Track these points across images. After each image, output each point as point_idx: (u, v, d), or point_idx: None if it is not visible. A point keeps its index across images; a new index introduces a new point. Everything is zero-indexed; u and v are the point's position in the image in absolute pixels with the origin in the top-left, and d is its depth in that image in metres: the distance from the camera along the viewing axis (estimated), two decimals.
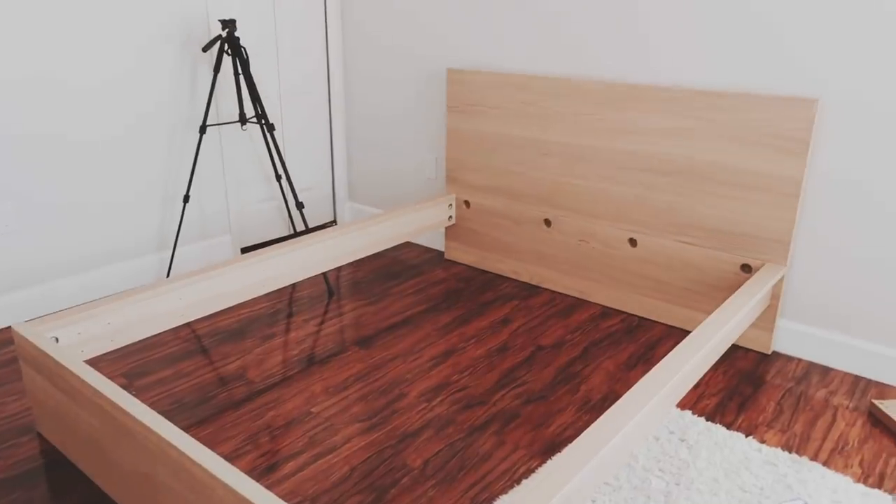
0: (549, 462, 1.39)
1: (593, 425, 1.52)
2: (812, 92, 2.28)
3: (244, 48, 2.87)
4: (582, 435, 1.49)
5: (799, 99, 2.24)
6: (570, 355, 2.50)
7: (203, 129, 2.89)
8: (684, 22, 2.49)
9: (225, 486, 1.31)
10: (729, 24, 2.39)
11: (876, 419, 2.14)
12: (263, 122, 2.88)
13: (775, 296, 2.44)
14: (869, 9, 2.12)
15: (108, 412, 1.60)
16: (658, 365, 1.78)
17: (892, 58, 2.11)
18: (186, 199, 2.95)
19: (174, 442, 1.42)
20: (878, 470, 1.90)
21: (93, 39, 2.74)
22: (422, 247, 3.64)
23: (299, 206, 2.93)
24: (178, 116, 3.08)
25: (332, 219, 3.97)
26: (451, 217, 3.30)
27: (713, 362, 2.04)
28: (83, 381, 1.65)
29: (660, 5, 2.53)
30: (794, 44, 2.28)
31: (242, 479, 1.32)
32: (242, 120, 2.96)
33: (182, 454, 1.40)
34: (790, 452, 1.97)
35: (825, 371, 2.41)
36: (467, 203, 3.26)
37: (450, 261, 3.43)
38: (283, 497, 1.77)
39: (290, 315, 2.84)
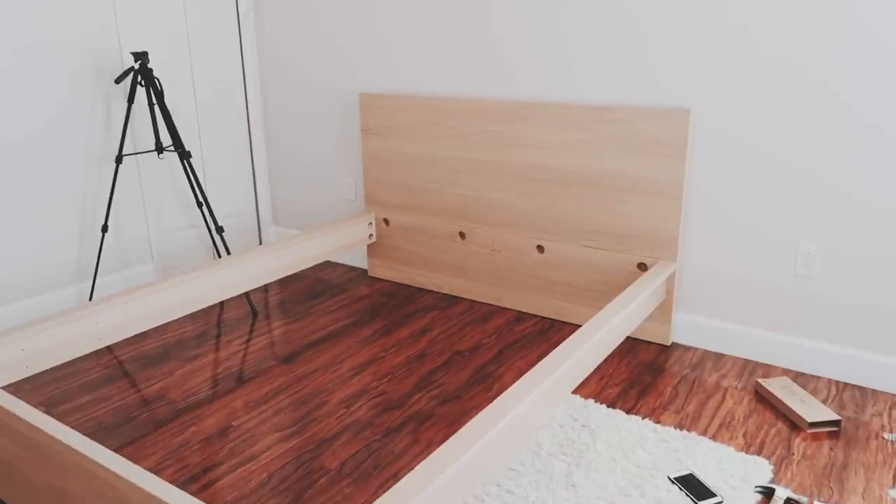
0: (445, 443, 1.50)
1: (484, 409, 1.65)
2: (686, 103, 2.51)
3: (157, 79, 2.94)
4: (475, 418, 1.61)
5: (675, 110, 2.46)
6: (485, 358, 2.63)
7: (119, 160, 2.93)
8: (574, 45, 2.71)
9: (134, 486, 1.37)
10: (613, 46, 2.61)
11: (760, 396, 2.34)
12: (179, 150, 2.95)
13: (669, 290, 2.63)
14: (731, 31, 2.36)
15: (21, 433, 1.63)
16: (551, 353, 1.92)
17: (751, 73, 2.36)
18: (105, 228, 2.97)
19: (86, 452, 1.47)
20: (759, 440, 2.09)
21: (9, 73, 2.76)
22: (346, 266, 3.74)
23: (219, 230, 2.99)
24: (93, 148, 3.11)
25: (259, 244, 4.03)
26: (371, 235, 3.41)
27: (608, 351, 2.20)
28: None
29: (552, 33, 2.74)
30: (668, 61, 2.51)
31: (151, 479, 1.38)
32: (159, 149, 3.01)
33: (94, 463, 1.45)
34: (682, 430, 2.14)
35: (718, 357, 2.62)
36: (386, 221, 3.38)
37: (374, 277, 3.54)
38: None
39: (214, 336, 2.88)
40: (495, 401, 1.68)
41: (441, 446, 1.50)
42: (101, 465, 1.43)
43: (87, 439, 1.53)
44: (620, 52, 2.60)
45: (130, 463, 1.44)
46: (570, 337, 2.02)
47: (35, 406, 2.34)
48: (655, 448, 2.03)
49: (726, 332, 2.61)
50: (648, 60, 2.55)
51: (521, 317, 3.01)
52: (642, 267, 2.68)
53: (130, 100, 2.91)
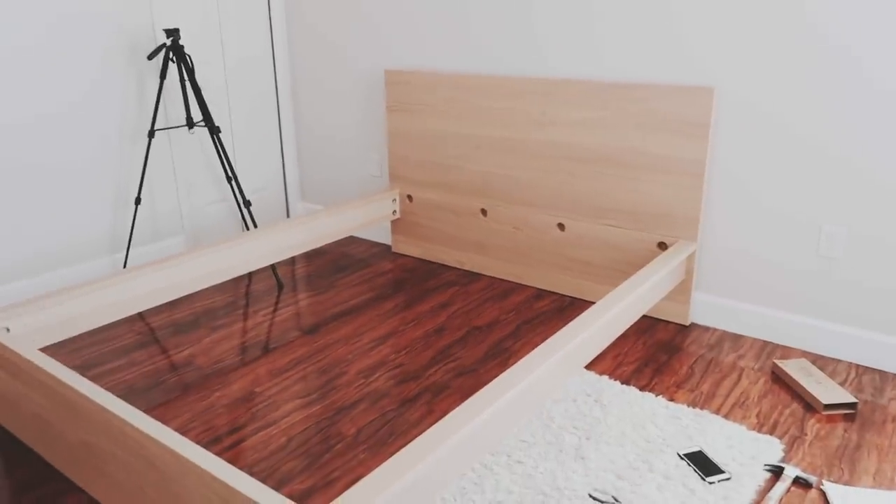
0: (456, 408, 1.55)
1: (496, 378, 1.69)
2: (709, 81, 2.48)
3: (189, 55, 3.01)
4: (486, 386, 1.65)
5: (698, 88, 2.44)
6: (503, 333, 2.67)
7: (152, 134, 3.02)
8: (597, 22, 2.69)
9: (157, 442, 1.45)
10: (637, 22, 2.59)
11: (777, 377, 2.34)
12: (209, 125, 3.02)
13: (689, 270, 2.63)
14: (758, 7, 2.33)
15: (57, 391, 1.73)
16: (564, 328, 1.95)
17: (777, 50, 2.32)
18: (138, 201, 3.07)
19: (116, 411, 1.56)
20: (772, 419, 2.10)
21: (44, 49, 2.86)
22: (370, 241, 3.79)
23: (247, 204, 3.06)
24: (126, 122, 3.20)
25: (286, 218, 4.10)
26: (395, 211, 3.46)
27: (623, 328, 2.22)
28: (32, 364, 1.77)
29: (575, 8, 2.73)
30: (693, 38, 2.48)
31: (175, 437, 1.46)
32: (189, 124, 3.09)
33: (122, 421, 1.53)
34: (694, 408, 2.15)
35: (737, 338, 2.61)
36: (410, 197, 3.42)
37: (397, 253, 3.59)
38: None
39: (241, 307, 2.97)
40: (507, 370, 1.72)
41: (451, 412, 1.55)
42: (129, 423, 1.51)
43: (118, 399, 1.61)
44: (644, 29, 2.58)
45: (158, 422, 1.52)
46: (585, 312, 2.05)
47: (70, 368, 2.46)
48: (666, 424, 2.06)
49: (746, 313, 2.61)
50: (672, 37, 2.53)
51: (541, 294, 3.04)
52: (662, 246, 2.68)
53: (162, 76, 2.99)
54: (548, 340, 1.88)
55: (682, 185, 2.57)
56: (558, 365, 1.84)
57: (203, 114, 3.01)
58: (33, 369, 1.78)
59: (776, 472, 1.84)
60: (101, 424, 1.61)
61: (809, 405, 2.17)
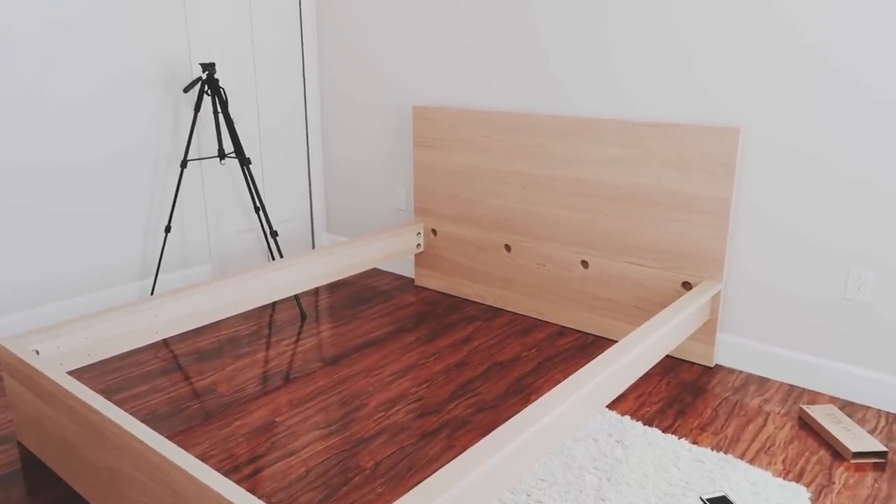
0: (475, 444, 1.54)
1: (516, 415, 1.68)
2: (735, 121, 2.49)
3: (223, 89, 3.10)
4: (506, 422, 1.65)
5: (724, 128, 2.45)
6: (525, 370, 2.66)
7: (184, 164, 3.10)
8: (622, 61, 2.73)
9: (180, 470, 1.46)
10: (662, 62, 2.62)
11: (804, 423, 2.29)
12: (240, 157, 3.09)
13: (714, 310, 2.61)
14: (783, 48, 2.35)
15: (83, 415, 1.75)
16: (585, 367, 1.94)
17: (803, 90, 2.33)
18: (168, 229, 3.14)
19: (140, 436, 1.58)
20: (799, 466, 2.05)
21: (85, 77, 2.97)
22: (393, 274, 3.82)
23: (273, 234, 3.11)
24: (160, 152, 3.29)
25: (311, 249, 4.16)
26: (419, 245, 3.48)
27: (646, 368, 2.20)
28: (59, 387, 1.80)
29: (603, 48, 2.77)
30: (718, 78, 2.50)
31: (198, 465, 1.47)
32: (221, 155, 3.17)
33: (146, 446, 1.55)
34: (718, 452, 2.11)
35: (763, 381, 2.57)
36: (434, 231, 3.45)
37: (420, 287, 3.60)
38: None
39: (265, 336, 2.99)
40: (528, 407, 1.71)
41: (471, 447, 1.54)
42: (153, 449, 1.53)
43: (142, 424, 1.63)
44: (669, 68, 2.61)
45: (180, 449, 1.53)
46: (607, 350, 2.03)
47: (95, 392, 2.49)
48: (689, 468, 2.02)
49: (772, 356, 2.57)
50: (697, 76, 2.55)
51: (563, 331, 3.02)
52: (687, 286, 2.66)
53: (197, 108, 3.08)
54: (570, 378, 1.87)
55: (707, 225, 2.56)
56: (580, 403, 1.82)
57: (234, 146, 3.08)
58: (61, 392, 1.81)
59: None
60: (125, 449, 1.63)
61: (837, 453, 2.12)
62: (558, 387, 1.82)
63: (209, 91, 3.08)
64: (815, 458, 2.09)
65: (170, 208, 3.38)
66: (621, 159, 2.73)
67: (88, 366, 2.70)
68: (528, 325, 3.09)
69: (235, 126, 3.58)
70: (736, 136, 2.43)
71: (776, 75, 2.38)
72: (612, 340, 2.92)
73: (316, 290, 3.60)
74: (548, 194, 2.98)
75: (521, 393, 2.48)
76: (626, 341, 2.11)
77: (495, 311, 3.26)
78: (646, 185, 2.68)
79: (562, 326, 3.07)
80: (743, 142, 2.49)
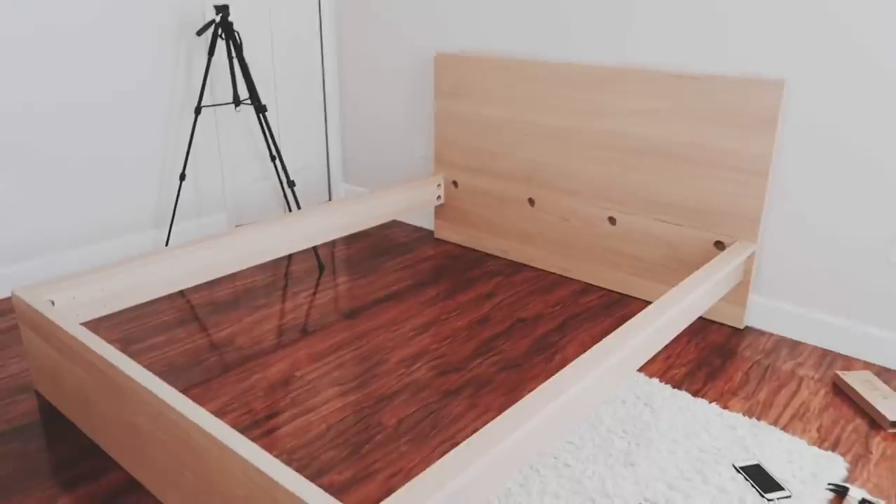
0: (505, 412, 1.48)
1: (548, 381, 1.61)
2: (779, 74, 2.34)
3: (237, 32, 2.96)
4: (536, 389, 1.58)
5: (766, 80, 2.31)
6: (548, 327, 2.59)
7: (198, 110, 2.99)
8: (659, 7, 2.56)
9: (199, 428, 1.41)
10: (701, 9, 2.46)
11: (838, 389, 2.22)
12: (256, 103, 2.98)
13: (747, 271, 2.51)
14: None
15: (97, 367, 1.70)
16: (618, 330, 1.86)
17: (853, 41, 2.18)
18: (183, 177, 3.05)
19: (155, 391, 1.52)
20: (834, 435, 1.98)
21: (97, 25, 2.84)
22: (413, 226, 3.73)
23: (290, 184, 3.02)
24: (174, 97, 3.18)
25: (328, 199, 4.07)
26: (439, 197, 3.38)
27: (678, 331, 2.12)
28: (76, 340, 1.75)
29: None
30: (762, 27, 2.34)
31: (216, 423, 1.42)
32: (236, 101, 3.05)
33: (160, 401, 1.50)
34: (751, 417, 2.05)
35: (795, 345, 2.49)
36: (455, 183, 3.34)
37: (439, 239, 3.52)
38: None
39: (281, 288, 2.94)
40: (559, 373, 1.65)
41: (501, 415, 1.48)
42: (171, 406, 1.48)
43: (160, 380, 1.58)
44: (708, 15, 2.45)
45: (198, 406, 1.48)
46: (641, 313, 1.95)
47: (112, 343, 2.45)
48: (721, 434, 1.96)
49: (805, 319, 2.48)
50: (739, 25, 2.39)
51: (587, 288, 2.94)
52: (719, 245, 2.56)
53: (211, 52, 2.95)
54: (602, 342, 1.80)
55: (744, 183, 2.44)
56: (613, 368, 1.75)
57: (250, 92, 2.97)
58: (77, 345, 1.76)
59: (840, 492, 1.73)
60: (143, 405, 1.58)
61: (874, 421, 2.05)
62: (592, 350, 1.75)
63: (223, 35, 2.95)
64: (850, 427, 2.02)
65: (184, 156, 3.28)
66: (653, 112, 2.60)
67: (104, 316, 2.66)
68: (551, 282, 3.01)
69: (250, 71, 3.45)
70: (780, 90, 2.29)
71: (826, 25, 2.22)
72: (637, 299, 2.84)
73: (333, 242, 3.53)
74: (574, 147, 2.86)
75: (545, 352, 2.42)
76: (661, 303, 2.02)
77: (517, 266, 3.17)
78: (678, 139, 2.56)
79: (585, 283, 2.99)
80: (787, 96, 2.34)
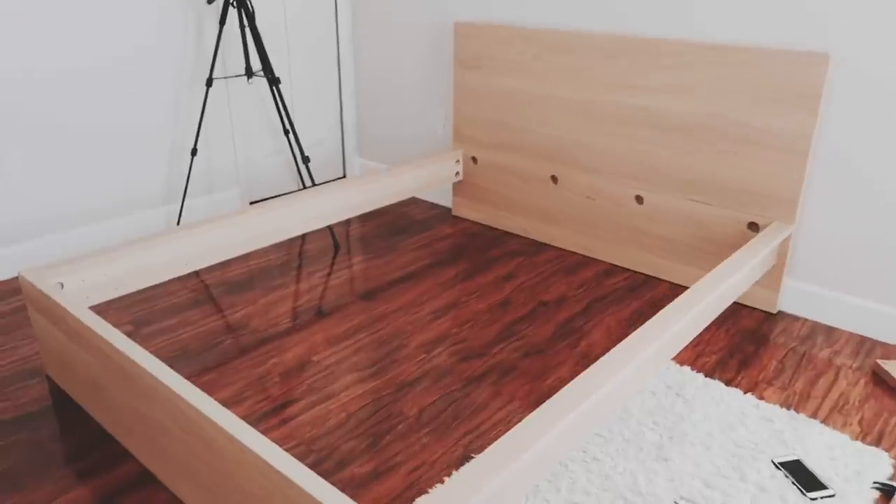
0: (537, 409, 1.40)
1: (581, 375, 1.53)
2: (824, 46, 2.20)
3: (250, 1, 2.84)
4: (569, 384, 1.50)
5: (810, 54, 2.17)
6: (573, 311, 2.50)
7: (209, 82, 2.88)
8: None
9: (213, 423, 1.34)
10: None
11: (879, 379, 2.12)
12: (269, 75, 2.86)
13: (782, 255, 2.40)
14: None
15: (107, 355, 1.63)
16: (653, 318, 1.77)
17: None
18: (194, 151, 2.96)
19: (168, 383, 1.45)
20: (877, 428, 1.89)
21: None
22: (429, 203, 3.63)
23: (305, 160, 2.92)
24: (183, 68, 3.07)
25: (342, 174, 3.97)
26: (458, 173, 3.27)
27: (712, 318, 2.03)
28: (85, 326, 1.68)
29: None
30: None
31: (230, 418, 1.35)
32: (248, 73, 2.94)
33: (174, 394, 1.43)
34: (788, 409, 1.96)
35: (830, 331, 2.39)
36: (475, 159, 3.23)
37: (457, 217, 3.42)
38: (280, 441, 1.81)
39: (296, 267, 2.86)
40: (592, 367, 1.56)
41: (533, 414, 1.40)
42: (181, 397, 1.41)
43: (170, 370, 1.51)
44: None
45: (209, 397, 1.41)
46: (676, 301, 1.86)
47: (123, 325, 2.39)
48: (757, 427, 1.87)
49: (841, 304, 2.37)
50: None
51: (612, 270, 2.84)
52: (753, 227, 2.45)
53: (222, 21, 2.83)
54: (638, 331, 1.70)
55: (782, 162, 2.32)
56: (650, 360, 1.66)
57: (262, 63, 2.85)
58: (85, 330, 1.69)
59: (888, 492, 1.65)
60: (154, 396, 1.51)
61: None
62: (626, 341, 1.66)
63: (234, 3, 2.83)
64: (894, 420, 1.93)
65: (195, 130, 3.18)
66: (687, 86, 2.46)
67: (115, 298, 2.59)
68: (574, 262, 2.91)
69: (263, 42, 3.33)
70: (824, 64, 2.15)
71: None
72: (663, 281, 2.74)
73: (347, 220, 3.43)
74: (601, 123, 2.74)
75: (570, 337, 2.33)
76: (698, 288, 1.92)
77: (539, 246, 3.07)
78: (713, 115, 2.43)
79: (610, 264, 2.89)
80: (832, 70, 2.21)
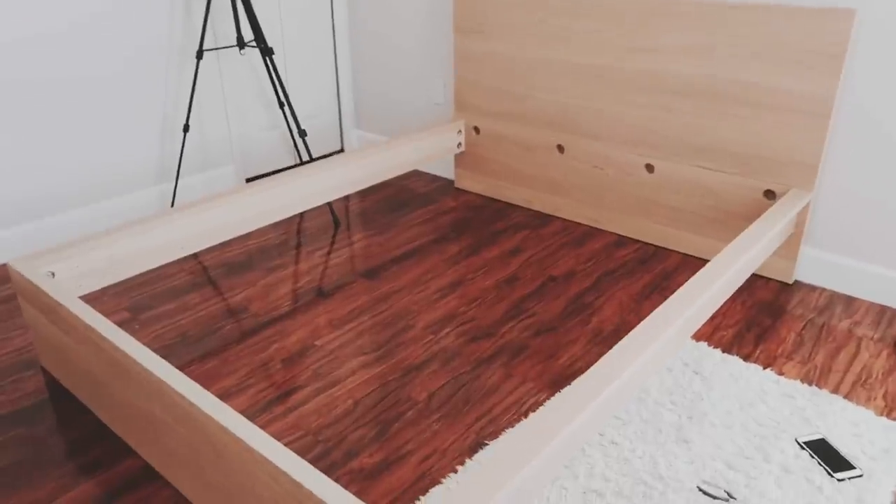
0: (556, 396, 1.34)
1: (604, 358, 1.46)
2: (849, 2, 2.09)
3: None
4: (592, 368, 1.42)
5: (834, 10, 2.05)
6: (582, 286, 2.43)
7: (199, 55, 2.76)
8: None
9: (213, 420, 1.27)
10: None
11: None
12: (262, 46, 2.74)
13: (800, 223, 2.31)
14: None
15: (102, 348, 1.56)
16: (674, 295, 1.69)
17: None
18: (186, 128, 2.85)
19: (163, 377, 1.38)
20: None
21: None
22: (431, 175, 3.53)
23: (302, 133, 2.82)
24: (173, 41, 2.94)
25: (340, 147, 3.86)
26: (460, 144, 3.17)
27: (731, 292, 1.95)
28: (76, 318, 1.60)
29: None
30: None
31: (230, 414, 1.28)
32: (240, 44, 2.82)
33: (169, 388, 1.36)
34: (810, 385, 1.90)
35: (850, 301, 2.32)
36: (477, 129, 3.12)
37: (459, 189, 3.32)
38: (286, 431, 1.75)
39: (295, 246, 2.77)
40: (612, 351, 1.48)
41: (549, 402, 1.33)
42: (173, 388, 1.34)
43: (159, 358, 1.44)
44: None
45: (202, 388, 1.35)
46: (696, 276, 1.78)
47: (120, 312, 2.31)
48: (779, 404, 1.81)
49: (861, 273, 2.30)
50: None
51: (621, 241, 2.76)
52: (769, 195, 2.36)
53: None
54: (659, 310, 1.63)
55: (800, 126, 2.22)
56: (672, 339, 1.59)
57: (255, 33, 2.73)
58: (76, 321, 1.61)
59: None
60: (153, 392, 1.44)
61: None
62: (647, 321, 1.59)
63: None
64: None
65: (187, 105, 3.07)
66: (698, 47, 2.35)
67: (111, 283, 2.51)
68: (581, 234, 2.83)
69: (255, 10, 3.19)
70: (849, 21, 2.03)
71: None
72: (675, 251, 2.66)
73: (347, 195, 3.34)
74: (609, 88, 2.62)
75: (581, 314, 2.26)
76: (717, 262, 1.84)
77: (544, 218, 2.98)
78: (727, 78, 2.32)
79: (619, 235, 2.81)
80: (856, 28, 2.09)
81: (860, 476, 1.56)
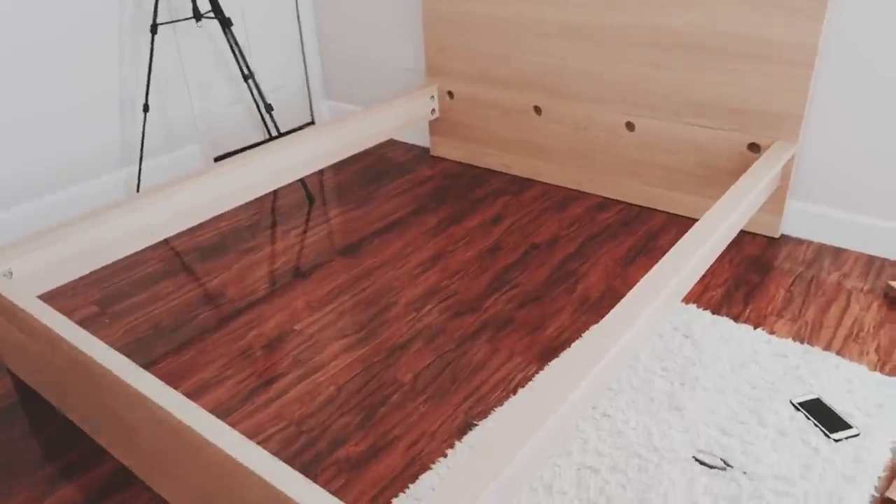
0: (545, 369, 1.28)
1: (594, 328, 1.40)
2: None
3: None
4: (583, 338, 1.37)
5: None
6: (566, 252, 2.37)
7: (154, 29, 2.61)
8: None
9: (182, 423, 1.20)
10: None
11: (893, 301, 2.02)
12: (219, 17, 2.60)
13: (785, 176, 2.26)
14: None
15: (62, 349, 1.48)
16: (664, 258, 1.64)
17: None
18: (146, 107, 2.72)
19: (125, 377, 1.31)
20: (895, 356, 1.80)
21: None
22: (406, 144, 3.43)
23: (268, 108, 2.70)
24: (123, 16, 2.78)
25: (310, 119, 3.73)
26: (434, 110, 3.06)
27: (720, 252, 1.90)
28: (34, 319, 1.51)
29: None
30: None
31: (200, 414, 1.21)
32: (197, 15, 2.67)
33: (135, 390, 1.28)
34: (801, 342, 1.87)
35: (838, 253, 2.28)
36: (451, 94, 3.01)
37: (436, 157, 3.23)
38: (268, 422, 1.69)
39: (270, 226, 2.68)
40: (605, 320, 1.43)
41: (538, 378, 1.28)
42: (139, 390, 1.27)
43: (123, 357, 1.36)
44: None
45: (169, 387, 1.28)
46: (684, 238, 1.72)
47: (88, 306, 2.22)
48: (771, 364, 1.78)
49: (848, 223, 2.26)
50: None
51: (604, 203, 2.70)
52: (754, 148, 2.30)
53: None
54: (650, 274, 1.57)
55: (783, 76, 2.14)
56: (664, 304, 1.54)
57: (211, 3, 2.58)
58: (34, 322, 1.52)
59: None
60: (116, 391, 1.36)
61: None
62: (638, 287, 1.53)
63: None
64: None
65: (145, 83, 2.92)
66: None
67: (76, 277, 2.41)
68: (563, 198, 2.76)
69: None
70: None
71: None
72: (659, 211, 2.60)
73: (320, 169, 3.23)
74: (587, 45, 2.53)
75: (566, 281, 2.20)
76: (705, 222, 1.79)
77: (524, 183, 2.91)
78: (705, 28, 2.23)
79: (602, 197, 2.74)
80: None
81: (857, 435, 1.53)
